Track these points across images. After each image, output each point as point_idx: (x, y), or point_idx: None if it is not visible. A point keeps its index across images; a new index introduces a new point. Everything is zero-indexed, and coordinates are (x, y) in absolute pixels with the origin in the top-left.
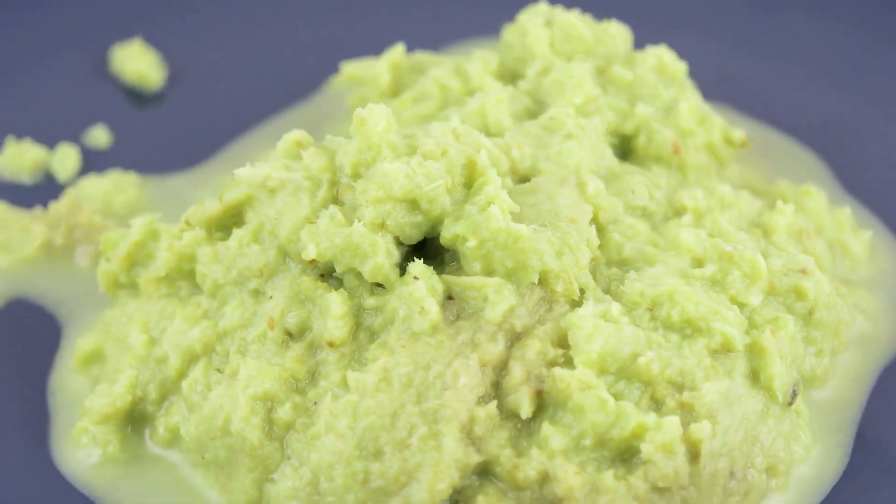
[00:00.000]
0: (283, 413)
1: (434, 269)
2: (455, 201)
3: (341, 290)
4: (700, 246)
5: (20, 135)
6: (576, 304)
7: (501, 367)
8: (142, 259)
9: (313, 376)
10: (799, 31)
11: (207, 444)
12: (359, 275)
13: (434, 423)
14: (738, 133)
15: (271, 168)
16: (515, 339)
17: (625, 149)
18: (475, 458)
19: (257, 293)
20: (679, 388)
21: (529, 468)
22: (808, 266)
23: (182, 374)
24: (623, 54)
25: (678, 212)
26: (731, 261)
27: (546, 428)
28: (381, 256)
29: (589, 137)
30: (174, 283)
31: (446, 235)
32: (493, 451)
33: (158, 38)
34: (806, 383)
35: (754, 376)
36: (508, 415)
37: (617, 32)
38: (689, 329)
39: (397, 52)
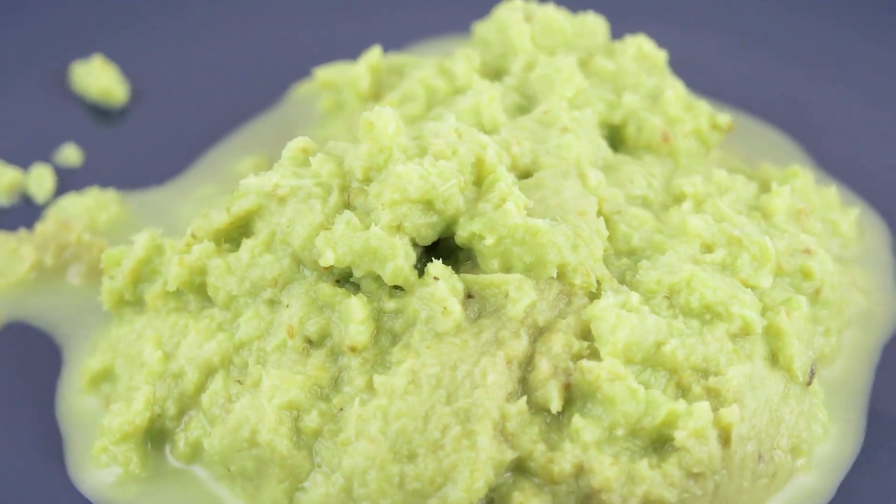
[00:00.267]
0: (310, 421)
1: (451, 268)
2: (468, 200)
3: (360, 294)
4: (708, 231)
5: None
6: (594, 296)
7: (527, 363)
8: (146, 275)
9: (336, 382)
10: (763, 14)
11: (233, 456)
12: (377, 278)
13: (467, 422)
14: (724, 117)
15: (280, 176)
16: (538, 334)
17: (614, 139)
18: (509, 455)
19: (272, 303)
20: (704, 373)
21: (564, 462)
22: (812, 246)
23: (200, 388)
24: (602, 45)
25: (677, 199)
26: (739, 245)
27: (577, 421)
28: (401, 259)
29: (584, 130)
30: (182, 297)
31: (462, 234)
32: (526, 446)
33: (118, 54)
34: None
35: (773, 358)
36: (538, 410)
37: (594, 24)
38: (708, 314)
39: (374, 54)
